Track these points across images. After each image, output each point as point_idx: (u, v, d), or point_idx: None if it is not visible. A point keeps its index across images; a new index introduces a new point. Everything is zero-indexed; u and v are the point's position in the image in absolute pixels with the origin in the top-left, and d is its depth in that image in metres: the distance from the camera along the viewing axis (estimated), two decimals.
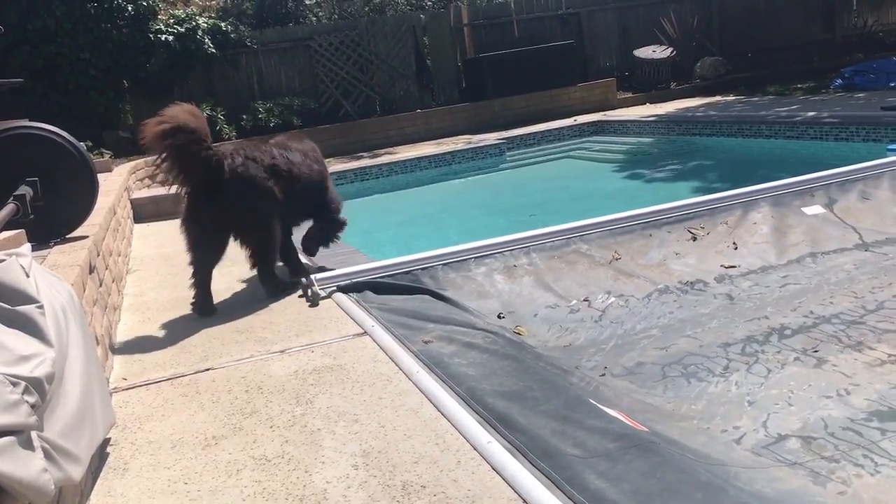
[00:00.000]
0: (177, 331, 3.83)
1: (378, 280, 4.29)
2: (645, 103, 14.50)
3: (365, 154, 12.62)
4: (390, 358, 3.11)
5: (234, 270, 5.03)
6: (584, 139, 12.66)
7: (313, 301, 4.08)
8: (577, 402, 2.68)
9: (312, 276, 4.27)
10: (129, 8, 12.43)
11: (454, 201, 10.03)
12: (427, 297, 4.16)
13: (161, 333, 3.82)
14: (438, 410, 2.57)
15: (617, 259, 4.75)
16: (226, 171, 4.03)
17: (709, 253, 4.84)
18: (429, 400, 2.66)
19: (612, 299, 4.37)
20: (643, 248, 4.89)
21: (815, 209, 5.27)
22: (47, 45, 11.78)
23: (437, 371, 2.92)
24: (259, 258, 4.32)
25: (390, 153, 12.37)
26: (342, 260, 4.93)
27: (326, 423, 2.58)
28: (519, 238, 4.89)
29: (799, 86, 13.44)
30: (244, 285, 4.62)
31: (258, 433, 2.56)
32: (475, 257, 4.69)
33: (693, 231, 5.05)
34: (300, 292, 4.32)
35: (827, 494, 2.40)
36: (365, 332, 3.45)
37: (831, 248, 4.85)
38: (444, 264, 4.60)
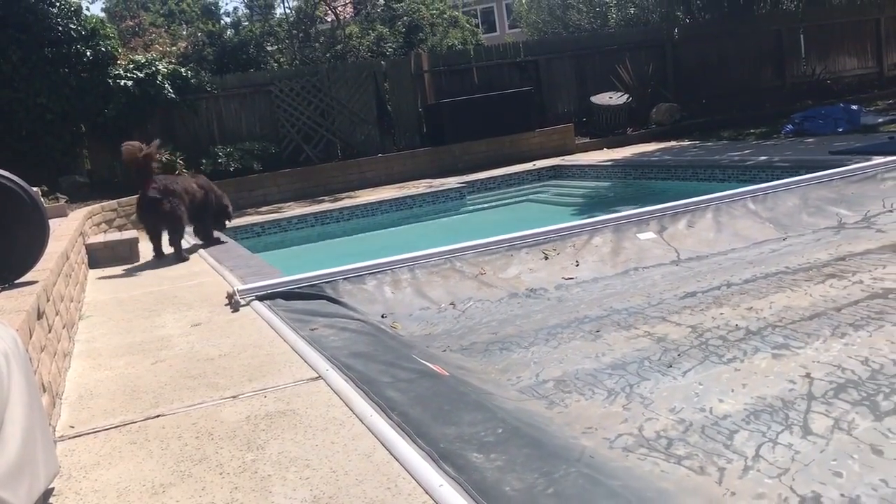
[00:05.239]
0: (128, 377, 3.76)
1: (288, 290, 5.19)
2: (602, 148, 14.76)
3: (326, 198, 12.62)
4: (344, 402, 3.08)
5: (189, 315, 4.98)
6: (543, 183, 12.82)
7: (235, 307, 4.96)
8: (403, 357, 3.71)
9: (235, 288, 5.16)
10: (88, 53, 12.40)
11: (415, 244, 9.99)
12: (325, 301, 5.05)
13: (112, 380, 3.74)
14: (391, 454, 2.55)
15: (482, 274, 5.80)
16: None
17: (555, 268, 5.89)
18: (382, 444, 2.64)
19: (472, 303, 5.40)
20: (504, 265, 5.96)
21: (648, 234, 6.33)
22: (2, 90, 11.70)
23: (315, 346, 3.80)
24: (171, 234, 7.30)
25: (351, 197, 12.39)
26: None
27: (277, 469, 2.54)
28: (407, 258, 5.89)
29: (752, 131, 13.79)
30: (198, 330, 4.56)
31: (207, 480, 2.52)
32: (370, 273, 5.65)
33: (546, 252, 6.10)
34: (226, 301, 5.11)
35: (550, 413, 3.35)
36: (319, 377, 3.42)
37: (651, 263, 5.89)
38: (344, 278, 5.53)
